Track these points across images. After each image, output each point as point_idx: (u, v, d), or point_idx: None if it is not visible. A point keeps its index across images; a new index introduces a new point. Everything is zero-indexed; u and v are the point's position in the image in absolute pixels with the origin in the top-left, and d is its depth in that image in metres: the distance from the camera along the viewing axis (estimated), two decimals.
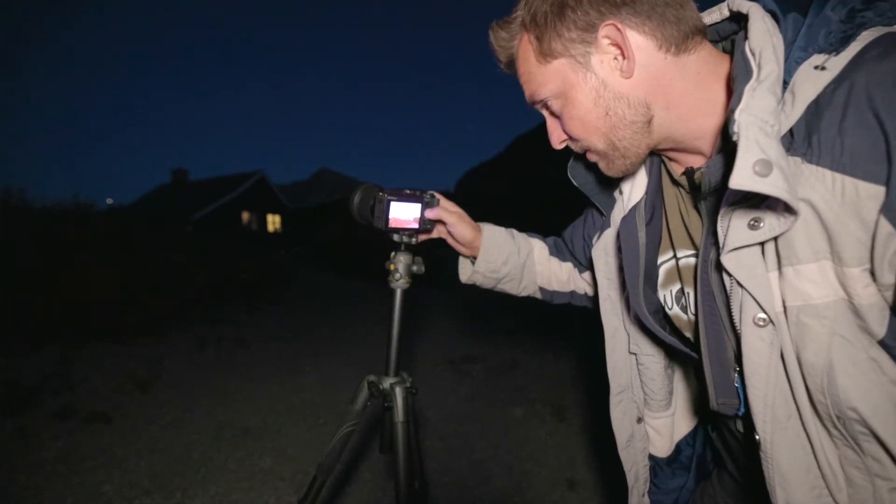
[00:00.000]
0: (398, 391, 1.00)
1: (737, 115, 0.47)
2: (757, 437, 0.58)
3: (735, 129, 0.47)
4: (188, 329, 5.14)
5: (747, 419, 0.66)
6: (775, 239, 0.52)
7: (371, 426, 2.59)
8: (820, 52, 0.50)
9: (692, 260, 0.71)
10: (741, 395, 0.65)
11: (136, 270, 5.47)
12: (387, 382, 1.01)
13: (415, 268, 1.02)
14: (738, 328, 0.58)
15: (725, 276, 0.58)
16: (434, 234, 1.02)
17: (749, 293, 0.54)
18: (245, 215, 22.23)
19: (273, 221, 24.19)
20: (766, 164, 0.45)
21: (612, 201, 0.84)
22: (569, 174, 0.83)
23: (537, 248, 1.06)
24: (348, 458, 2.41)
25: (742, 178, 0.45)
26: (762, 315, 0.54)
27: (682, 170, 0.69)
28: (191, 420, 2.96)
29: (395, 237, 0.98)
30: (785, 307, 0.53)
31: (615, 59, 0.60)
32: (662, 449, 0.91)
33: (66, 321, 4.49)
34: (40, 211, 6.82)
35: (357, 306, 6.93)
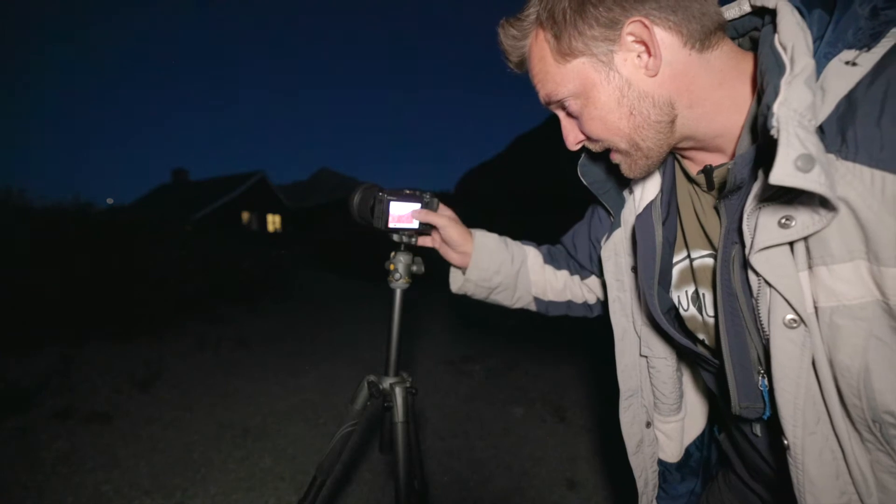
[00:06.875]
0: (398, 391, 1.00)
1: (775, 108, 0.45)
2: (785, 441, 0.56)
3: (774, 122, 0.44)
4: (188, 329, 5.14)
5: (771, 423, 0.64)
6: (805, 237, 0.50)
7: (371, 426, 2.59)
8: (849, 47, 0.49)
9: (709, 260, 0.70)
10: (766, 399, 0.63)
11: (136, 270, 5.47)
12: (387, 382, 1.01)
13: (414, 268, 1.02)
14: (764, 330, 0.56)
15: (752, 277, 0.56)
16: (427, 243, 1.00)
17: (779, 293, 0.52)
18: (245, 215, 22.24)
19: (273, 221, 24.19)
20: (808, 160, 0.43)
21: (622, 201, 0.82)
22: (579, 172, 0.81)
23: (531, 255, 1.03)
24: (348, 458, 2.41)
25: (783, 174, 0.43)
26: (792, 316, 0.52)
27: (698, 168, 0.67)
28: (191, 420, 2.96)
29: (395, 237, 0.98)
30: (816, 308, 0.52)
31: (639, 56, 0.58)
32: (672, 454, 0.89)
33: (66, 321, 4.50)
34: (40, 211, 6.82)
35: (357, 306, 6.93)
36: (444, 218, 0.94)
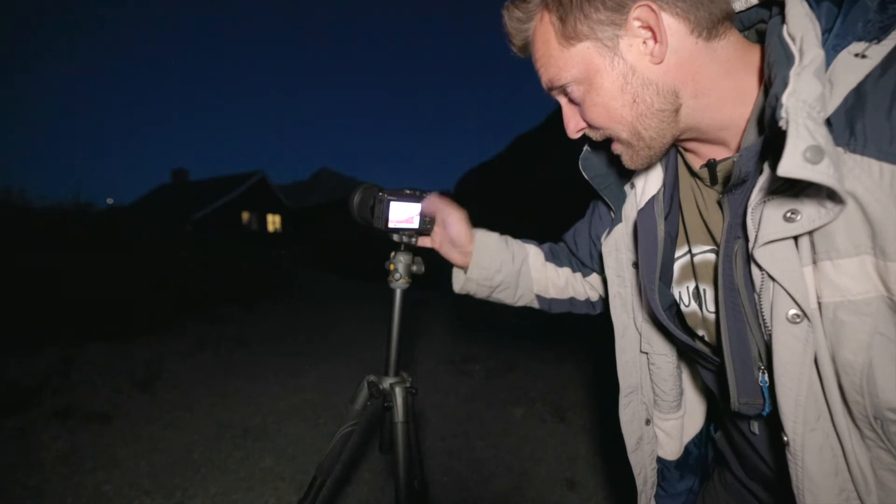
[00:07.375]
0: (398, 391, 1.00)
1: (784, 99, 0.44)
2: (785, 438, 0.56)
3: (782, 114, 0.44)
4: (188, 329, 5.14)
5: (770, 420, 0.64)
6: (810, 231, 0.49)
7: (371, 426, 2.59)
8: (859, 40, 0.49)
9: (710, 256, 0.69)
10: (765, 395, 0.63)
11: (136, 270, 5.48)
12: (387, 382, 1.01)
13: (414, 268, 1.02)
14: (766, 325, 0.56)
15: (755, 271, 0.55)
16: (427, 243, 1.00)
17: (783, 288, 0.52)
18: (245, 215, 22.25)
19: (273, 221, 24.20)
20: (818, 151, 0.42)
21: (623, 196, 0.82)
22: (580, 166, 0.81)
23: (532, 253, 1.02)
24: (348, 458, 2.41)
25: (792, 166, 0.42)
26: (796, 311, 0.51)
27: (701, 162, 0.67)
28: (191, 420, 2.96)
29: (395, 237, 0.98)
30: (820, 303, 0.51)
31: (644, 42, 0.57)
32: (671, 451, 0.89)
33: (66, 321, 4.50)
34: (40, 211, 6.83)
35: (357, 306, 6.93)
36: (460, 211, 0.94)
